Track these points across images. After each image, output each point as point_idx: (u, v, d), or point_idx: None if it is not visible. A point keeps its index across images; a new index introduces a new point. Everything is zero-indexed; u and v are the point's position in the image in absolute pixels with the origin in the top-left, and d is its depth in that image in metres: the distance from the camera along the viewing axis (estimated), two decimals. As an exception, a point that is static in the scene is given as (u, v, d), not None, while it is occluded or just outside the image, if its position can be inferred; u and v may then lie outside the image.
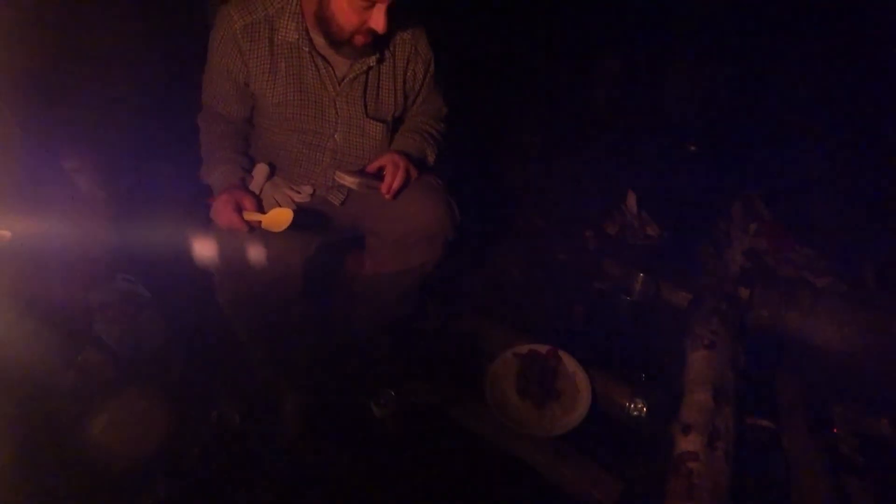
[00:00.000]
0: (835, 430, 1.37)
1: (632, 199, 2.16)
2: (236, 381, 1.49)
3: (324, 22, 1.18)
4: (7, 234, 1.11)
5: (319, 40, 1.24)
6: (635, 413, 1.41)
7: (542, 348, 1.51)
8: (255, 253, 1.25)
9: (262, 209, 1.23)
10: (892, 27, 2.07)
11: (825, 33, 2.25)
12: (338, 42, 1.20)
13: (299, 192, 1.33)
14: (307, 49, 1.24)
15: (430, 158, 1.41)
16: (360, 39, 1.19)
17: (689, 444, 1.22)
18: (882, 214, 1.92)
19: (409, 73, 1.36)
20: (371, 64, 1.28)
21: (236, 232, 1.19)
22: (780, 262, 1.85)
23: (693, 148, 2.45)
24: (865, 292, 1.73)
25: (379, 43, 1.24)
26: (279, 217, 1.22)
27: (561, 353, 1.50)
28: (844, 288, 1.73)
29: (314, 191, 1.36)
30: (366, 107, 1.32)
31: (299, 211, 1.26)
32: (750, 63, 2.43)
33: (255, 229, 1.20)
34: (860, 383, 1.46)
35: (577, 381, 1.46)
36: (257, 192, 1.27)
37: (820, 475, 1.22)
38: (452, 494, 1.28)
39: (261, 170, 1.30)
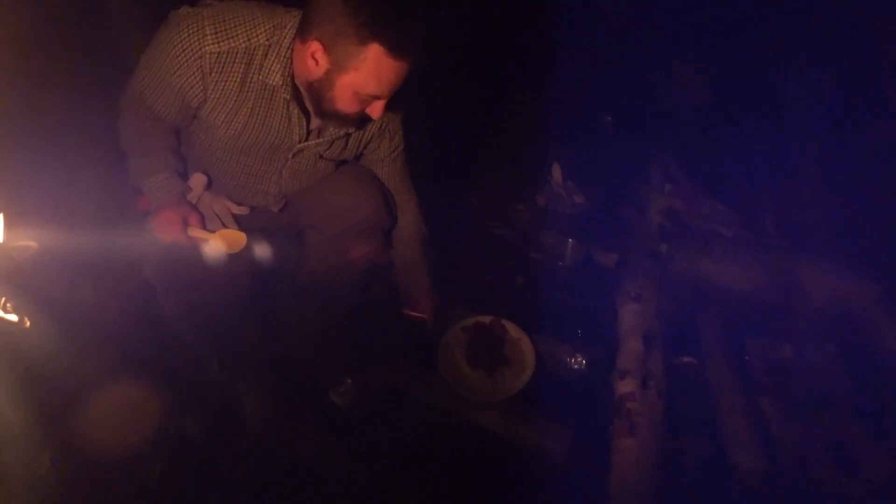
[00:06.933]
0: (747, 358, 1.55)
1: (557, 171, 2.28)
2: (191, 390, 1.46)
3: (318, 95, 1.07)
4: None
5: (305, 93, 1.12)
6: (577, 367, 1.53)
7: (487, 319, 1.59)
8: (201, 264, 1.22)
9: (204, 224, 1.23)
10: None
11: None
12: (324, 113, 1.11)
13: (238, 204, 1.30)
14: (287, 97, 1.11)
15: None
16: (350, 117, 1.11)
17: (626, 387, 1.34)
18: (779, 170, 2.13)
19: (374, 129, 1.30)
20: (350, 131, 1.23)
21: (180, 247, 1.17)
22: (694, 217, 2.03)
23: (609, 119, 2.60)
24: (766, 239, 1.94)
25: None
26: (232, 239, 1.21)
27: (504, 321, 1.58)
28: (749, 236, 1.94)
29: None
30: (322, 154, 1.27)
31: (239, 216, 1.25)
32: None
33: (198, 246, 1.19)
34: (765, 317, 1.66)
35: (522, 346, 1.55)
36: (195, 202, 1.25)
37: (738, 398, 1.39)
38: (420, 467, 1.34)
39: (198, 180, 1.25)
